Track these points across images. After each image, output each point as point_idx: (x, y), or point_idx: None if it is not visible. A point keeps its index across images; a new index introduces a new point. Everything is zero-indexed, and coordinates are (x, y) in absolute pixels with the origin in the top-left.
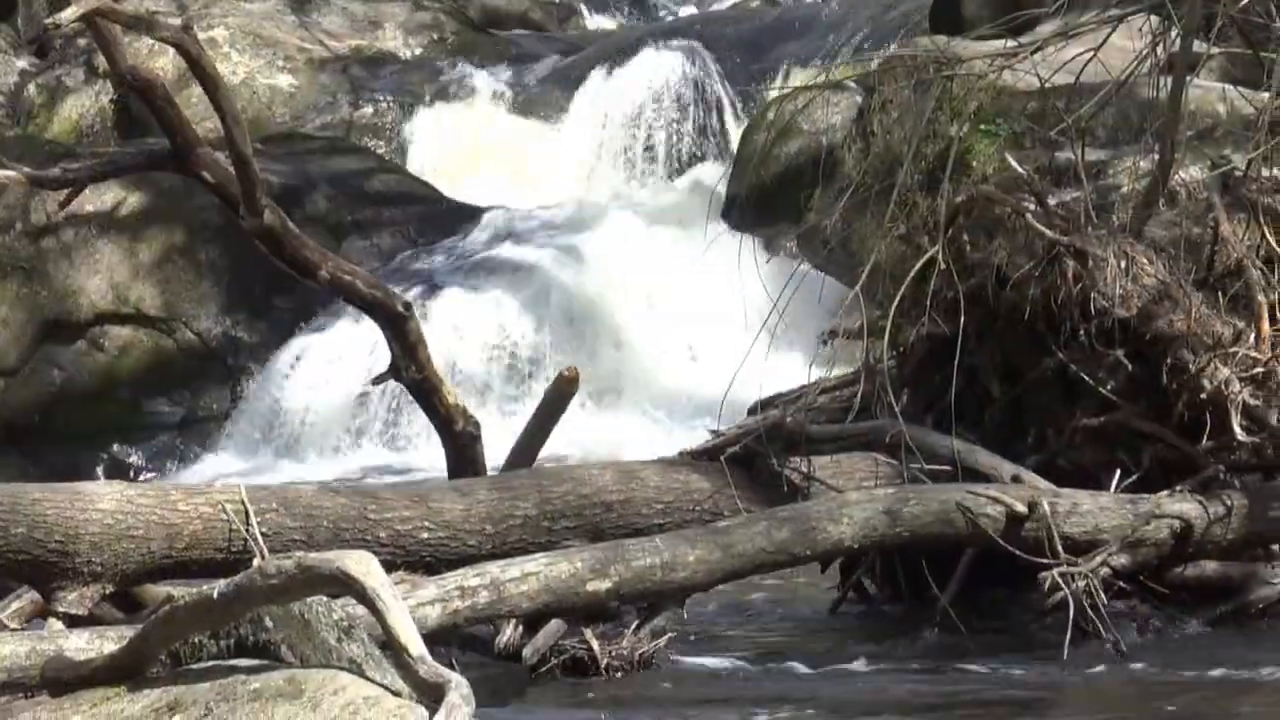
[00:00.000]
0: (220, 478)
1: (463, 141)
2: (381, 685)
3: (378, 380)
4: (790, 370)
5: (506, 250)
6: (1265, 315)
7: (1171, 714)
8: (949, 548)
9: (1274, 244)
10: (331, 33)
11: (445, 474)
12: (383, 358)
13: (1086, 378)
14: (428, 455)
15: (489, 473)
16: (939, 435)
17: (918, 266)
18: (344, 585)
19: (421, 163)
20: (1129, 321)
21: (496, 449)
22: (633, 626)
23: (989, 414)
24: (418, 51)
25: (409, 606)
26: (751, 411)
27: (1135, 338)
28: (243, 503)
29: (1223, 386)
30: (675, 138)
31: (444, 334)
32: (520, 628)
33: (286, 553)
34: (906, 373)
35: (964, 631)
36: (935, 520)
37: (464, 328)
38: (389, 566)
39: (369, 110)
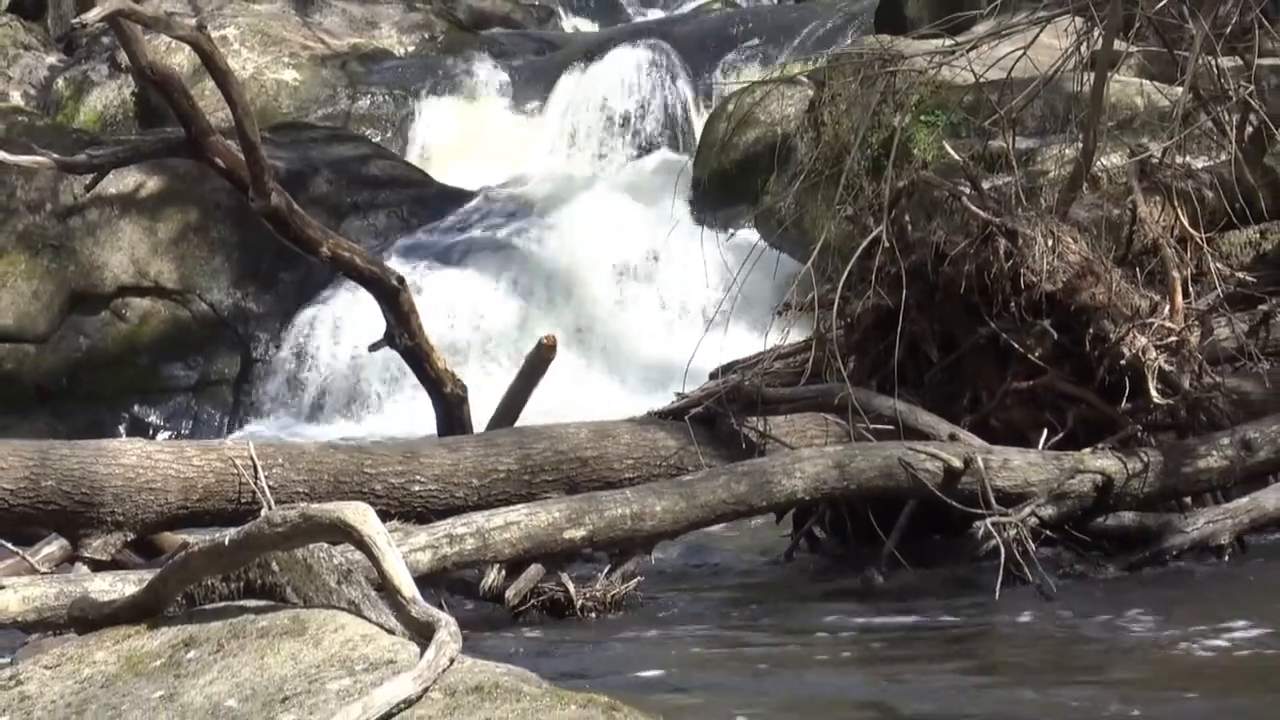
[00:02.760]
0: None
1: (451, 130)
2: (377, 624)
3: (374, 347)
4: (748, 338)
5: (491, 229)
6: (1179, 289)
7: (1090, 653)
8: (892, 499)
9: (1187, 225)
10: (332, 32)
11: (436, 433)
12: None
13: (1017, 345)
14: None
15: (475, 431)
16: (883, 397)
17: (864, 244)
18: (343, 533)
19: (414, 149)
20: (1055, 294)
21: (482, 410)
22: (605, 571)
23: (928, 378)
24: (410, 49)
25: (402, 553)
26: (713, 376)
27: (1061, 309)
28: (251, 458)
29: (1140, 354)
30: (643, 127)
31: (434, 305)
32: (503, 572)
33: (291, 504)
34: (853, 341)
35: (906, 576)
36: (879, 474)
37: (453, 299)
38: (384, 516)
39: (366, 102)
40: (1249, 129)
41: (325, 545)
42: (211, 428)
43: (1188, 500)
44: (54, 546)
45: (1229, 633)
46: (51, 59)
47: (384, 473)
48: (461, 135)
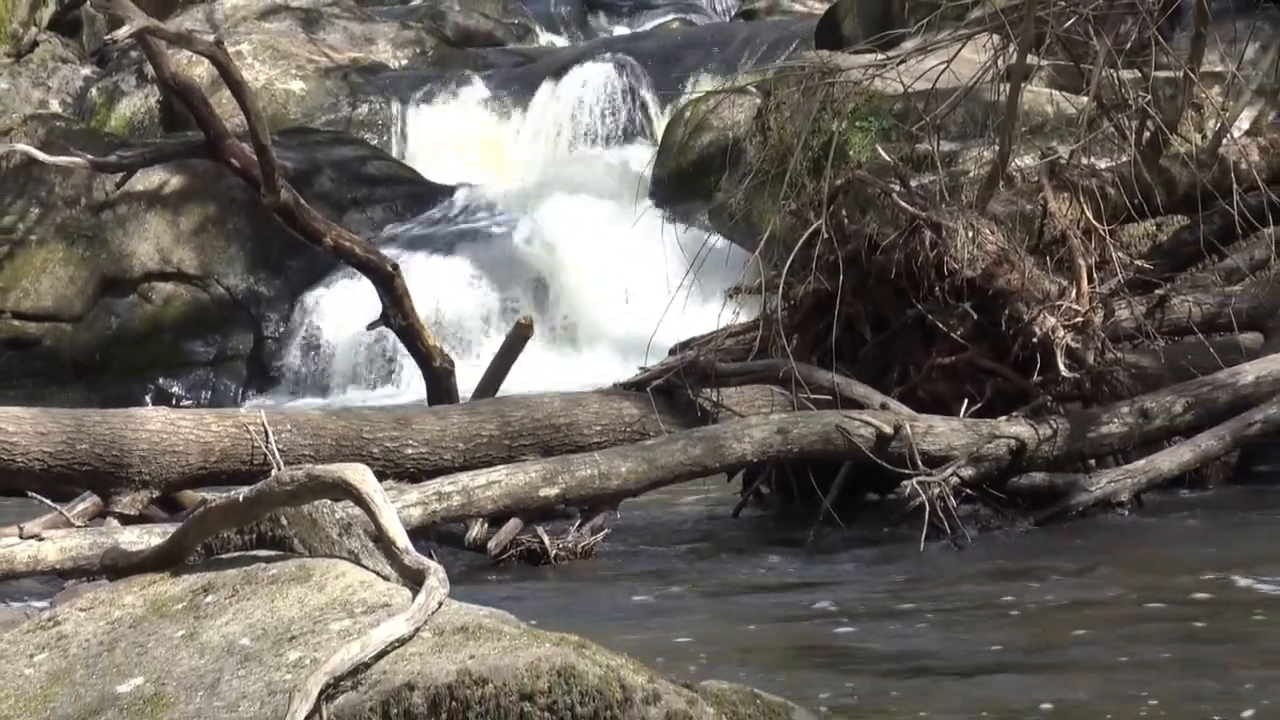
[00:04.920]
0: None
1: (440, 134)
2: (374, 572)
3: (371, 326)
4: (703, 318)
5: (475, 221)
6: (1084, 276)
7: (1006, 594)
8: (830, 461)
9: (1091, 218)
10: (335, 47)
11: (426, 402)
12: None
13: (941, 325)
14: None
15: (461, 401)
16: (822, 371)
17: (805, 236)
18: (344, 491)
19: (407, 151)
20: (975, 280)
21: (467, 382)
22: (576, 524)
23: (863, 354)
24: (404, 62)
25: (396, 508)
26: (672, 352)
27: (980, 293)
28: (263, 424)
29: (1050, 332)
30: (610, 131)
31: (425, 289)
32: (486, 525)
33: (298, 465)
34: (796, 321)
35: (841, 528)
36: (819, 439)
37: (441, 283)
38: (380, 476)
39: (365, 109)
40: (1146, 134)
41: (328, 502)
42: (227, 397)
43: (1092, 462)
44: (88, 503)
45: (1127, 576)
46: (86, 71)
47: (380, 437)
48: (449, 138)
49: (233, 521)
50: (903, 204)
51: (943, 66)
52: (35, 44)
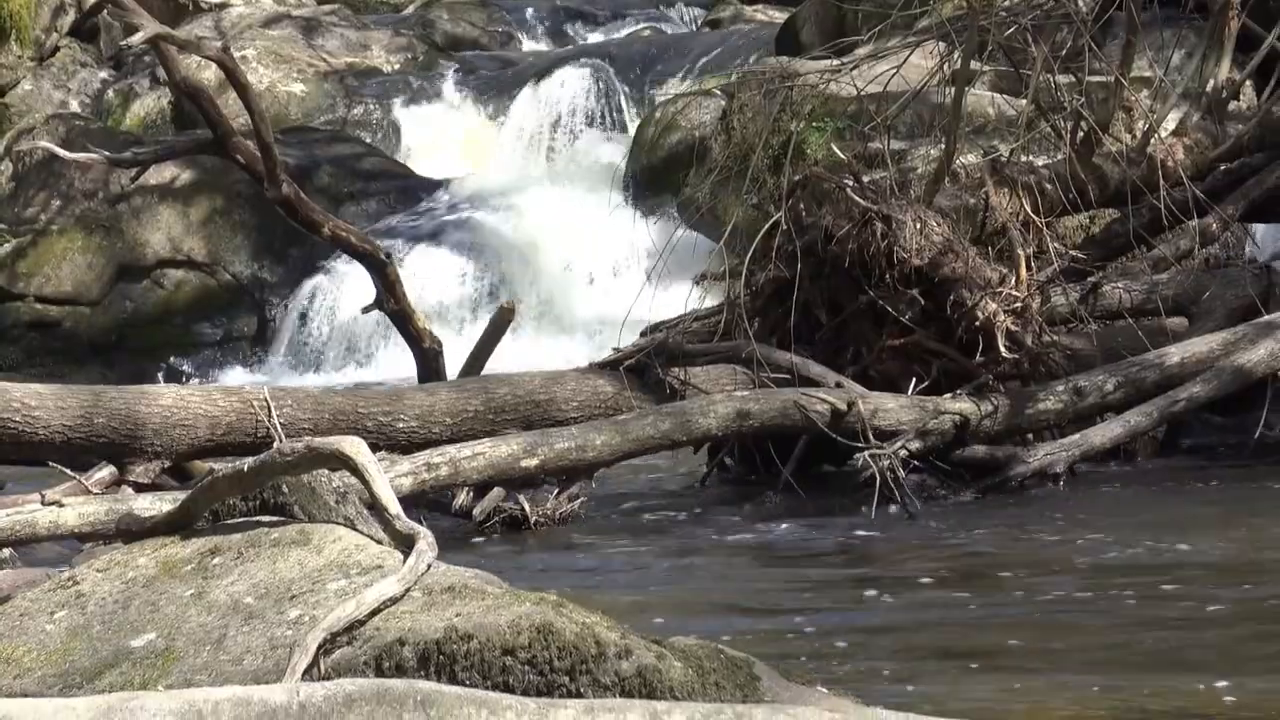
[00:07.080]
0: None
1: (430, 132)
2: (368, 536)
3: (366, 310)
4: (672, 303)
5: (461, 212)
6: (1023, 264)
7: (950, 560)
8: (789, 435)
9: (1030, 212)
10: (332, 52)
11: (416, 380)
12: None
13: (891, 310)
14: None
15: (449, 379)
16: (782, 352)
17: (766, 227)
18: (341, 462)
19: (399, 148)
20: (922, 268)
21: (454, 361)
22: (555, 493)
23: (819, 336)
24: (396, 66)
25: (389, 478)
26: (643, 334)
27: (927, 280)
28: (266, 400)
29: (991, 317)
30: (586, 130)
31: (415, 275)
32: (471, 494)
33: (298, 438)
34: (758, 306)
35: (800, 496)
36: (778, 415)
37: (430, 271)
38: (374, 448)
39: (360, 110)
40: (1080, 134)
41: (326, 471)
42: (233, 375)
43: (1030, 436)
44: (104, 472)
45: (1060, 538)
46: (103, 74)
47: (374, 412)
48: (437, 137)
49: (238, 489)
50: (856, 198)
51: (893, 71)
52: (56, 49)
